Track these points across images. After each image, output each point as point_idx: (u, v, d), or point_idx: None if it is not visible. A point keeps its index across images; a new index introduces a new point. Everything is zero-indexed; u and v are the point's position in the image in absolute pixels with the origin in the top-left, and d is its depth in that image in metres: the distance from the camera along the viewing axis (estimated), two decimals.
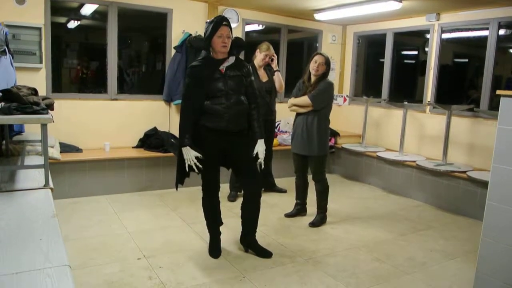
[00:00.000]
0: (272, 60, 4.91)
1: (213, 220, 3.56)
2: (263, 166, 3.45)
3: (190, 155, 3.23)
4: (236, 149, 3.37)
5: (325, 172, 4.33)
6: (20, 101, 2.55)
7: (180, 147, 3.30)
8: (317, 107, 4.06)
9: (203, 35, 3.48)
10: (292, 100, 4.23)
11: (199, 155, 3.23)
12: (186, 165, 3.25)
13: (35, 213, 2.09)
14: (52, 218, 2.01)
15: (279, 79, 4.97)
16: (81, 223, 4.09)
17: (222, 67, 3.31)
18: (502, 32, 5.09)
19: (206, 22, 3.52)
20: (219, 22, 3.29)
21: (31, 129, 3.96)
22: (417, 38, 6.41)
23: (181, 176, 3.44)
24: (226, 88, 3.25)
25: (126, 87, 5.90)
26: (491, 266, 2.78)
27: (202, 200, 3.57)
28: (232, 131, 3.30)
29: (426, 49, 5.91)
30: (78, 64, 6.22)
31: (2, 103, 2.52)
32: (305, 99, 4.07)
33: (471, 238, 4.13)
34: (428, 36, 5.85)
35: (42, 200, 2.30)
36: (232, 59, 3.38)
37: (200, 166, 3.23)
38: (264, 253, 3.52)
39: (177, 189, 3.58)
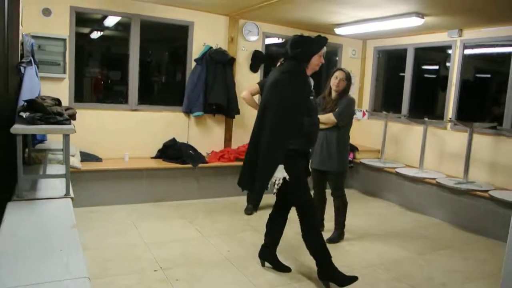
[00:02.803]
0: None
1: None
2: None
3: (281, 174, 3.03)
4: (307, 172, 3.33)
5: (344, 188, 4.29)
6: (43, 111, 2.59)
7: (273, 165, 3.04)
8: (342, 124, 4.04)
9: (293, 48, 3.13)
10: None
11: (287, 177, 3.04)
12: (275, 184, 3.03)
13: (55, 223, 2.12)
14: (72, 228, 2.03)
15: None
16: (98, 232, 4.11)
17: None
18: None
19: (302, 39, 3.24)
20: (325, 42, 3.23)
21: (53, 138, 4.01)
22: (439, 53, 6.34)
23: (259, 195, 3.19)
24: (315, 108, 3.23)
25: (147, 98, 5.96)
26: None
27: (311, 230, 3.32)
28: (308, 153, 3.29)
29: (448, 64, 5.84)
30: (100, 74, 6.31)
31: (27, 113, 2.57)
32: (330, 117, 4.01)
33: (492, 259, 4.02)
34: (449, 51, 5.79)
35: (62, 210, 2.33)
36: (311, 80, 3.28)
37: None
38: (283, 268, 3.48)
39: (255, 210, 3.68)
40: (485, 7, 4.37)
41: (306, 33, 6.42)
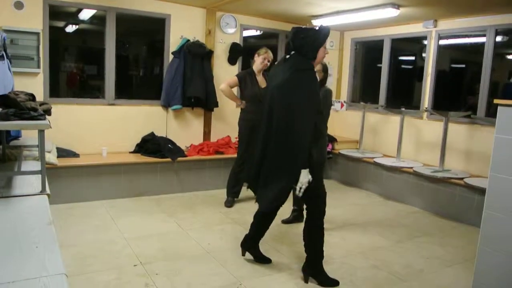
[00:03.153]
0: (270, 64, 4.92)
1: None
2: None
3: (307, 178, 2.95)
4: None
5: (322, 178, 4.32)
6: (17, 106, 2.54)
7: (297, 170, 2.94)
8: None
9: (297, 41, 2.97)
10: None
11: (311, 179, 2.98)
12: (299, 188, 2.95)
13: (31, 220, 2.08)
14: (49, 225, 2.00)
15: None
16: (77, 228, 4.07)
17: None
18: (499, 38, 5.11)
19: (307, 31, 3.01)
20: (329, 32, 3.04)
21: (29, 134, 3.95)
22: (415, 44, 6.43)
23: (282, 199, 3.10)
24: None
25: (124, 92, 5.89)
26: (488, 276, 2.78)
27: (319, 230, 3.23)
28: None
29: (424, 55, 5.93)
30: (76, 68, 6.21)
31: (0, 109, 2.51)
32: None
33: (468, 245, 4.13)
34: (425, 42, 5.88)
35: (39, 207, 2.29)
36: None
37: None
38: (264, 260, 3.50)
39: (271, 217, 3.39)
40: None
41: (284, 25, 6.49)
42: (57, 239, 1.84)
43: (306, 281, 3.23)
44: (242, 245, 3.56)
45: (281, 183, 3.01)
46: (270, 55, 4.89)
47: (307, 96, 2.92)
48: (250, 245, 3.51)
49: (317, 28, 3.05)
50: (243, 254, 3.55)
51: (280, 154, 2.98)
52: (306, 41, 2.94)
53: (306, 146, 2.91)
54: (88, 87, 6.25)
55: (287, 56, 3.04)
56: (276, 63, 3.31)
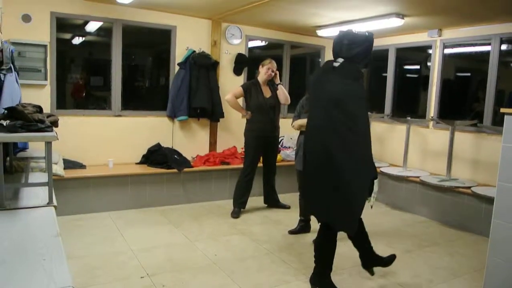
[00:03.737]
0: (274, 75, 4.94)
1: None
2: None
3: (377, 187, 2.90)
4: None
5: None
6: (25, 118, 2.56)
7: (369, 180, 2.90)
8: None
9: (351, 47, 2.84)
10: (300, 122, 4.05)
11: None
12: (373, 198, 2.88)
13: (38, 232, 2.09)
14: (56, 237, 2.00)
15: (283, 92, 4.98)
16: (84, 240, 4.07)
17: None
18: (504, 47, 5.11)
19: (361, 36, 2.89)
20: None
21: (35, 146, 3.97)
22: (419, 53, 6.43)
23: (358, 214, 2.94)
24: None
25: (130, 103, 5.92)
26: (498, 286, 2.75)
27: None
28: None
29: (429, 64, 5.92)
30: (83, 80, 6.25)
31: (8, 121, 2.54)
32: None
33: (477, 255, 4.08)
34: (430, 51, 5.88)
35: (46, 218, 2.30)
36: None
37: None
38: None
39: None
40: (462, 7, 4.45)
41: (289, 35, 6.51)
42: (64, 251, 1.84)
43: (372, 273, 3.29)
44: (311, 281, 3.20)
45: (360, 197, 2.88)
46: (274, 65, 4.92)
47: (366, 106, 2.89)
48: (320, 279, 3.15)
49: (367, 34, 2.92)
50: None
51: (355, 166, 2.80)
52: (361, 49, 2.85)
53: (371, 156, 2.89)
54: (94, 98, 6.29)
55: (336, 64, 2.88)
56: (322, 70, 3.12)
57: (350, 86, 2.82)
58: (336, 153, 2.79)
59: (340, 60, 2.86)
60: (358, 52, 2.84)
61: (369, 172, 2.88)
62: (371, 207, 2.98)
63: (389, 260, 3.33)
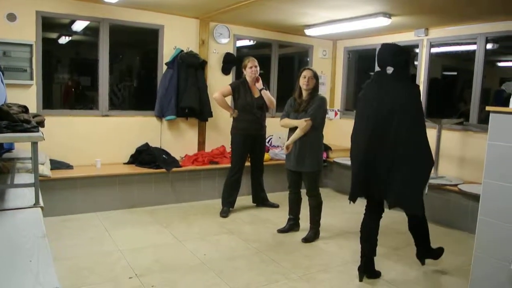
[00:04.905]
0: (257, 79, 4.95)
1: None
2: None
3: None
4: None
5: (318, 187, 4.33)
6: (10, 118, 2.53)
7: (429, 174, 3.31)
8: (316, 124, 4.08)
9: (398, 57, 3.23)
10: (288, 121, 4.20)
11: None
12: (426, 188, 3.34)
13: (24, 233, 2.06)
14: (42, 238, 1.98)
15: (267, 97, 4.99)
16: (71, 241, 4.03)
17: None
18: (489, 46, 5.17)
19: (403, 47, 3.42)
20: None
21: (22, 146, 3.91)
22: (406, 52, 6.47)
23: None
24: None
25: (118, 103, 5.89)
26: (484, 281, 2.78)
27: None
28: None
29: (416, 63, 5.97)
30: (69, 80, 6.20)
31: None
32: (304, 122, 4.05)
33: (464, 251, 4.13)
34: (417, 50, 5.93)
35: (32, 220, 2.27)
36: None
37: None
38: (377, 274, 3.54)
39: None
40: (449, 7, 4.50)
41: (277, 35, 6.52)
42: (51, 252, 1.82)
43: (423, 263, 3.73)
44: (361, 270, 3.46)
45: (419, 188, 3.23)
46: (255, 62, 4.94)
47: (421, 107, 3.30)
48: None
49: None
50: (361, 280, 3.43)
51: (417, 162, 3.14)
52: (406, 56, 3.28)
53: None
54: (81, 98, 6.24)
55: (390, 72, 3.21)
56: (376, 78, 3.36)
57: (412, 92, 3.21)
58: (395, 153, 3.14)
59: (392, 69, 3.20)
60: (406, 62, 3.28)
61: (430, 166, 3.23)
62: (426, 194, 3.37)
63: (439, 253, 3.68)
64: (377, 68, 3.48)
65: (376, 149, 3.21)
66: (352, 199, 3.47)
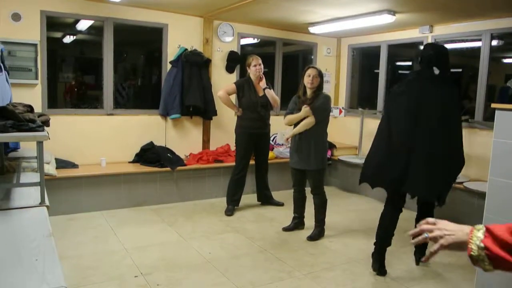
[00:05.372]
0: (261, 78, 4.94)
1: None
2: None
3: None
4: None
5: (323, 185, 4.33)
6: (15, 118, 2.54)
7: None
8: (318, 118, 4.08)
9: (442, 57, 3.39)
10: (292, 117, 4.20)
11: None
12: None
13: (30, 232, 2.07)
14: (48, 237, 1.99)
15: (271, 96, 4.98)
16: (77, 240, 4.05)
17: None
18: (494, 43, 5.13)
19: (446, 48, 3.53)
20: None
21: (27, 145, 3.94)
22: (411, 49, 6.46)
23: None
24: None
25: (122, 102, 5.90)
26: (490, 280, 2.77)
27: None
28: None
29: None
30: (74, 79, 6.22)
31: None
32: (310, 121, 4.07)
33: None
34: (421, 47, 5.89)
35: (38, 219, 2.28)
36: None
37: None
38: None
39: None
40: (453, 4, 4.47)
41: (281, 33, 6.51)
42: (57, 251, 1.83)
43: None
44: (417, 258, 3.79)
45: (450, 184, 3.46)
46: (259, 60, 4.95)
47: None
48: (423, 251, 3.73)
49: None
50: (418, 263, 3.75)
51: (453, 160, 3.34)
52: (447, 57, 3.38)
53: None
54: (86, 97, 6.26)
55: (437, 72, 3.32)
56: (417, 77, 3.47)
57: (454, 90, 3.33)
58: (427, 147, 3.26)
59: (435, 68, 3.32)
60: (447, 62, 3.37)
61: (462, 160, 3.40)
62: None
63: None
64: (416, 67, 3.65)
65: (414, 144, 3.28)
66: (367, 181, 3.59)
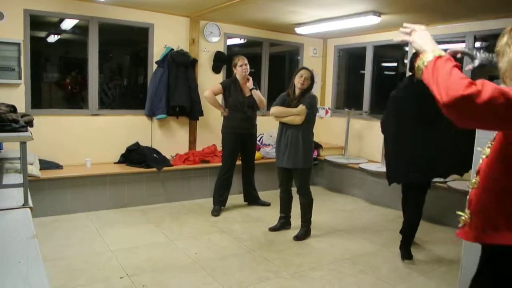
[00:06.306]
0: (247, 79, 4.95)
1: None
2: None
3: None
4: None
5: (309, 185, 4.35)
6: None
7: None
8: (307, 119, 4.13)
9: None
10: (282, 110, 4.22)
11: None
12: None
13: (13, 234, 2.04)
14: (32, 239, 1.96)
15: (258, 97, 4.99)
16: (61, 242, 4.00)
17: None
18: (477, 44, 5.21)
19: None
20: None
21: (10, 146, 3.88)
22: (397, 50, 6.52)
23: None
24: None
25: (108, 102, 5.85)
26: (475, 268, 2.81)
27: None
28: None
29: (405, 61, 6.01)
30: (58, 79, 6.14)
31: None
32: (297, 119, 4.13)
33: (453, 247, 4.16)
34: (407, 48, 5.96)
35: (21, 220, 2.25)
36: None
37: None
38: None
39: None
40: (437, 5, 4.53)
41: (268, 33, 6.52)
42: (41, 253, 1.80)
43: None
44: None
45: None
46: (245, 60, 4.96)
47: None
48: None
49: None
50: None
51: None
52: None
53: None
54: (71, 97, 6.18)
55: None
56: (413, 83, 3.67)
57: None
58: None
59: None
60: None
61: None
62: None
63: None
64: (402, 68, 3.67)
65: (421, 142, 3.62)
66: (396, 181, 4.10)
